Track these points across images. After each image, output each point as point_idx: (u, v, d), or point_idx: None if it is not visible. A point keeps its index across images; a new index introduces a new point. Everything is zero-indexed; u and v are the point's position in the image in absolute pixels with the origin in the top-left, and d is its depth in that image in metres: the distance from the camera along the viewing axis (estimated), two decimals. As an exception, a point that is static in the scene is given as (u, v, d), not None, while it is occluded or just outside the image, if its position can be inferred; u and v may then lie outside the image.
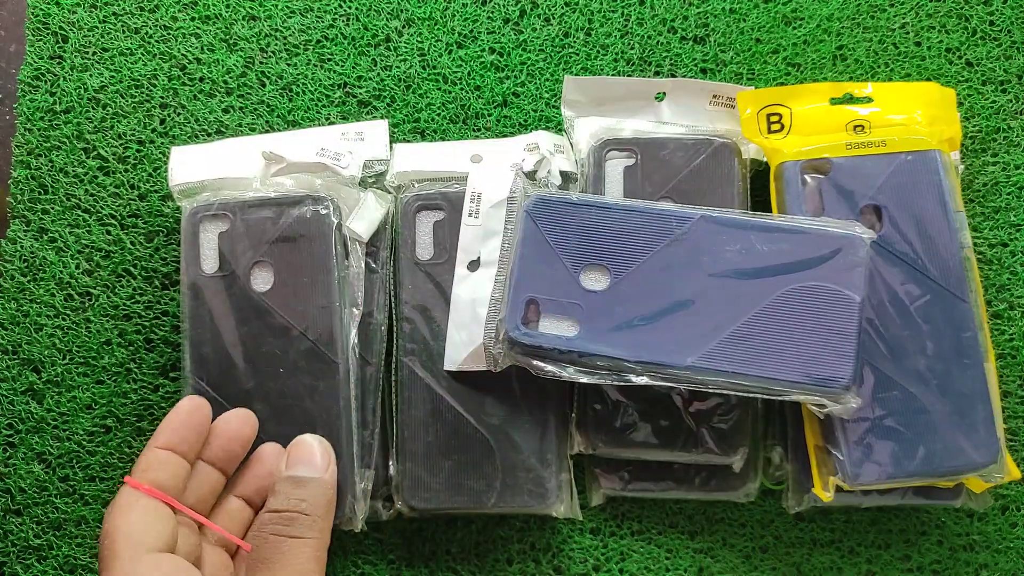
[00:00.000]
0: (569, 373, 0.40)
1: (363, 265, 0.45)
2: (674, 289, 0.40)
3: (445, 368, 0.43)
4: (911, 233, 0.42)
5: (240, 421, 0.41)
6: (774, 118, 0.45)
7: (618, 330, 0.40)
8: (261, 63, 0.50)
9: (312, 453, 0.37)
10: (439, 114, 0.49)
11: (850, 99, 0.46)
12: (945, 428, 0.40)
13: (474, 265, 0.44)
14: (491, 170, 0.45)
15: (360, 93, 0.49)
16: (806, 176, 0.43)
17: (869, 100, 0.46)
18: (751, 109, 0.45)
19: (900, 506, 0.46)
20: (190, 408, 0.39)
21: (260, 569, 0.33)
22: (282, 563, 0.33)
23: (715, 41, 0.50)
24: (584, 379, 0.40)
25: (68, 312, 0.48)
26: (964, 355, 0.41)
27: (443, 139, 0.49)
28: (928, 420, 0.40)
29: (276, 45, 0.50)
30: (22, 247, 0.48)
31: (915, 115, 0.45)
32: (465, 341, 0.43)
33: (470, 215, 0.44)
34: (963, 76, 0.49)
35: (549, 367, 0.40)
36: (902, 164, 0.43)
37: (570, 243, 0.41)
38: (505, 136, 0.49)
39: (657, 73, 0.50)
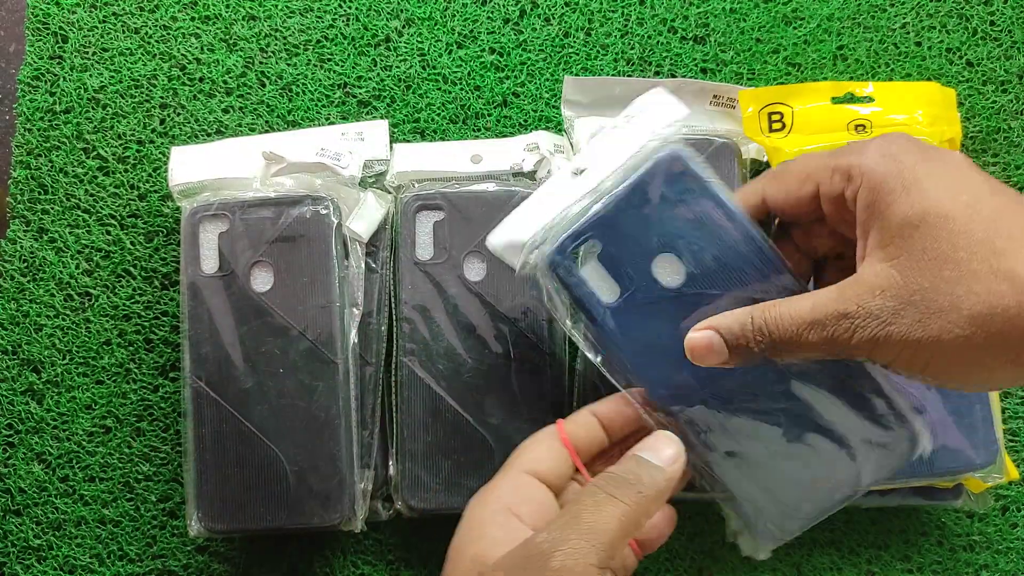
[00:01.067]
0: (567, 327, 0.38)
1: (363, 265, 0.45)
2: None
3: (487, 242, 0.40)
4: None
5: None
6: (775, 117, 0.45)
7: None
8: (261, 63, 0.50)
9: (664, 447, 0.37)
10: (439, 114, 0.49)
11: (851, 98, 0.46)
12: (944, 428, 0.40)
13: (581, 173, 0.39)
14: (667, 100, 0.40)
15: (360, 93, 0.49)
16: None
17: (870, 100, 0.46)
18: (753, 108, 0.45)
19: (900, 506, 0.46)
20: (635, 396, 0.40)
21: (569, 511, 0.34)
22: (588, 511, 0.34)
23: (715, 41, 0.50)
24: (577, 339, 0.38)
25: (68, 312, 0.48)
26: None
27: (443, 139, 0.49)
28: (927, 420, 0.40)
29: (276, 45, 0.50)
30: (22, 247, 0.48)
31: (916, 115, 0.45)
32: (519, 231, 0.39)
33: (615, 127, 0.40)
34: (964, 76, 0.49)
35: (558, 308, 0.37)
36: None
37: (667, 216, 0.36)
38: (505, 136, 0.49)
39: (657, 73, 0.50)
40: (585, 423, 0.40)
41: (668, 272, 0.37)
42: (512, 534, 0.35)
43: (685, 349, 0.35)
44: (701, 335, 0.35)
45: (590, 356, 0.39)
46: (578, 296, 0.37)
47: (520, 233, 0.39)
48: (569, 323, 0.38)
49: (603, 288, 0.37)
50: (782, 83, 0.49)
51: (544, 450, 0.39)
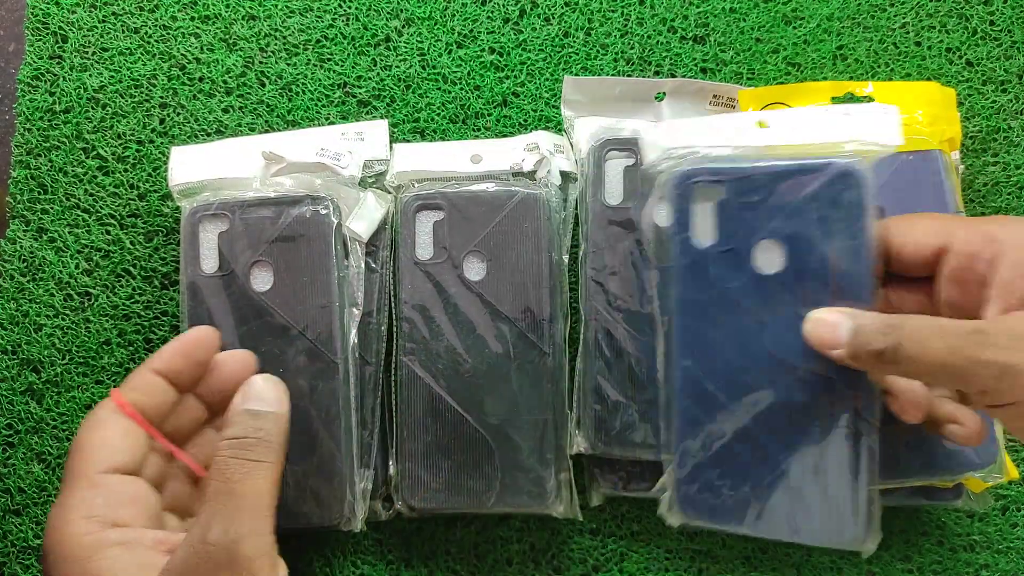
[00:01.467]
0: (649, 254, 0.37)
1: (363, 265, 0.45)
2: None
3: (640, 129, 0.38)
4: None
5: (240, 363, 0.40)
6: None
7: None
8: (261, 63, 0.50)
9: (267, 391, 0.37)
10: (439, 114, 0.49)
11: (851, 98, 0.46)
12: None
13: (762, 127, 0.38)
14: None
15: (360, 93, 0.49)
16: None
17: (870, 99, 0.46)
18: (752, 107, 0.45)
19: (900, 506, 0.45)
20: (195, 339, 0.39)
21: (220, 492, 0.34)
22: (242, 484, 0.33)
23: (715, 41, 0.50)
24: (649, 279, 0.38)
25: (68, 312, 0.48)
26: None
27: (443, 139, 0.49)
28: None
29: (276, 45, 0.50)
30: (22, 247, 0.48)
31: (916, 115, 0.45)
32: (673, 136, 0.38)
33: (828, 111, 0.38)
34: (963, 76, 0.49)
35: (651, 227, 0.37)
36: (904, 164, 0.43)
37: (804, 211, 0.35)
38: (505, 136, 0.49)
39: (657, 73, 0.50)
40: (148, 385, 0.37)
41: (767, 256, 0.36)
42: (137, 553, 0.33)
43: (806, 322, 0.35)
44: (831, 316, 0.34)
45: (654, 304, 0.37)
46: (677, 221, 0.36)
47: (672, 139, 0.38)
48: (652, 253, 0.37)
49: (701, 230, 0.36)
50: (782, 83, 0.49)
51: (116, 436, 0.36)
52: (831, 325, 0.34)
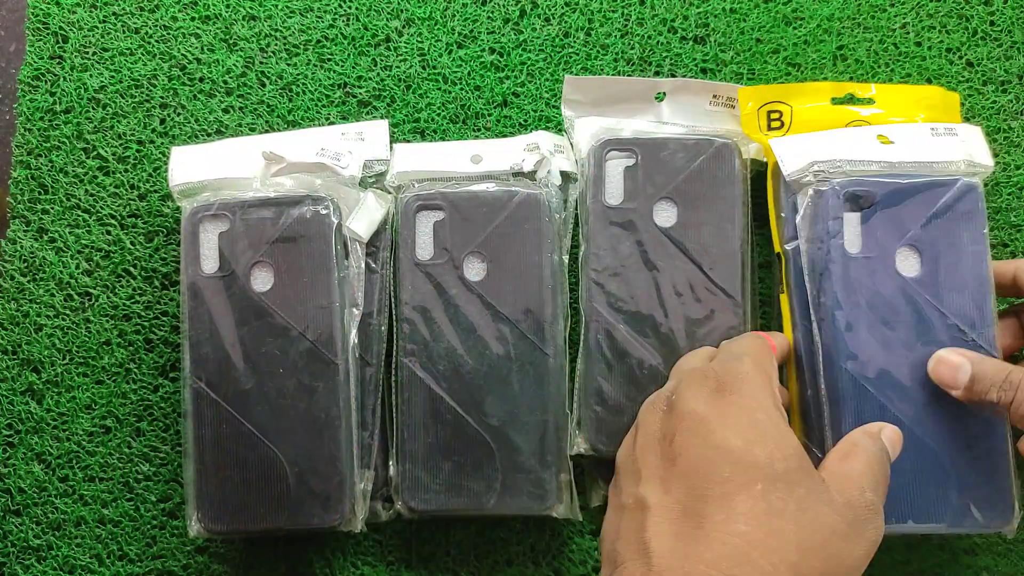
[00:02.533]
0: (801, 254, 0.42)
1: (363, 265, 0.45)
2: None
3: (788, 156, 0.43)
4: None
5: None
6: (774, 115, 0.45)
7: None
8: (261, 63, 0.50)
9: (893, 438, 0.38)
10: (439, 114, 0.49)
11: (852, 99, 0.46)
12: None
13: (890, 143, 0.43)
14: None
15: (360, 93, 0.49)
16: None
17: (871, 101, 0.45)
18: (752, 104, 0.45)
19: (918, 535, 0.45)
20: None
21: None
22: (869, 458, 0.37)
23: (715, 41, 0.50)
24: (806, 275, 0.42)
25: (68, 312, 0.48)
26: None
27: (443, 139, 0.49)
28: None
29: (276, 45, 0.50)
30: (22, 247, 0.48)
31: (917, 118, 0.45)
32: (820, 148, 0.43)
33: (954, 133, 0.44)
34: (964, 76, 0.49)
35: (799, 230, 0.42)
36: None
37: (937, 222, 0.41)
38: (505, 136, 0.49)
39: (657, 73, 0.49)
40: (783, 351, 0.42)
41: (907, 262, 0.41)
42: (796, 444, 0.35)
43: (931, 360, 0.40)
44: (955, 358, 0.39)
45: (814, 312, 0.41)
46: (828, 230, 0.41)
47: (810, 151, 0.42)
48: (805, 259, 0.41)
49: (851, 239, 0.41)
50: (782, 83, 0.49)
51: (773, 369, 0.39)
52: (953, 368, 0.39)
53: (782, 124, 0.45)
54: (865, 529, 0.33)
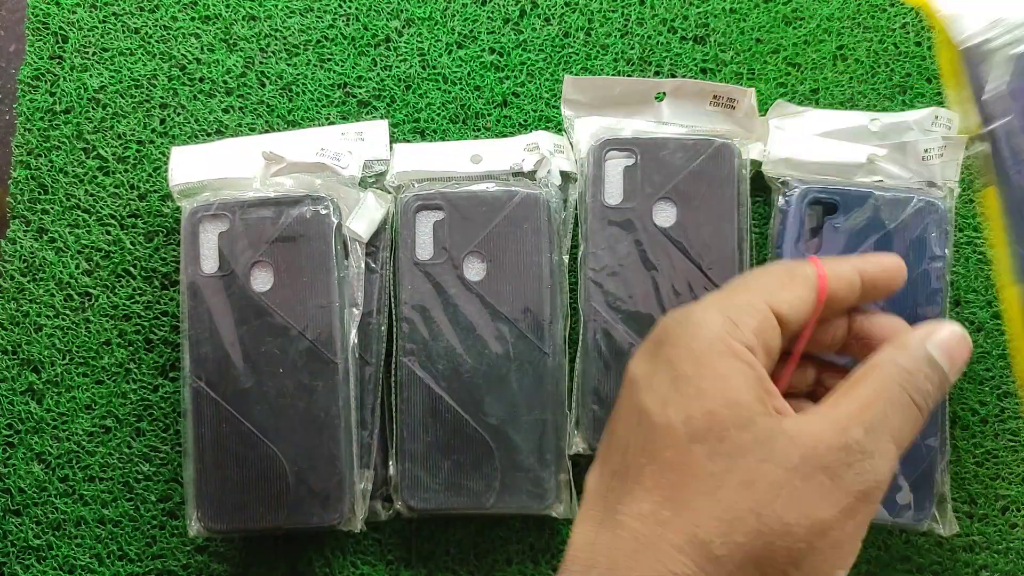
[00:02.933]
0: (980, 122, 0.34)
1: (363, 265, 0.45)
2: None
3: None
4: None
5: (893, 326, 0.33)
6: None
7: None
8: (261, 63, 0.50)
9: (958, 351, 0.30)
10: (439, 114, 0.49)
11: None
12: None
13: None
14: None
15: (360, 93, 0.49)
16: None
17: None
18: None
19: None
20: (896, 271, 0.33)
21: (876, 400, 0.28)
22: (889, 412, 0.28)
23: (715, 41, 0.50)
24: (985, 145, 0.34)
25: (68, 312, 0.48)
26: None
27: (443, 139, 0.49)
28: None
29: (276, 45, 0.50)
30: (22, 247, 0.48)
31: None
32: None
33: None
34: (963, 76, 0.49)
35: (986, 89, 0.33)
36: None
37: None
38: (505, 136, 0.49)
39: (657, 73, 0.50)
40: (847, 281, 0.32)
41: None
42: (756, 393, 0.28)
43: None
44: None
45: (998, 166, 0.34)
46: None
47: (1005, 6, 0.33)
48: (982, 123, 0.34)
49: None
50: (782, 83, 0.49)
51: (795, 295, 0.30)
52: None
53: None
54: (840, 479, 0.27)
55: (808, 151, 0.45)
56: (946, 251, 0.42)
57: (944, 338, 0.30)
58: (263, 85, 0.49)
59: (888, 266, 0.33)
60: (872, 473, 0.27)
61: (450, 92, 0.49)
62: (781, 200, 0.45)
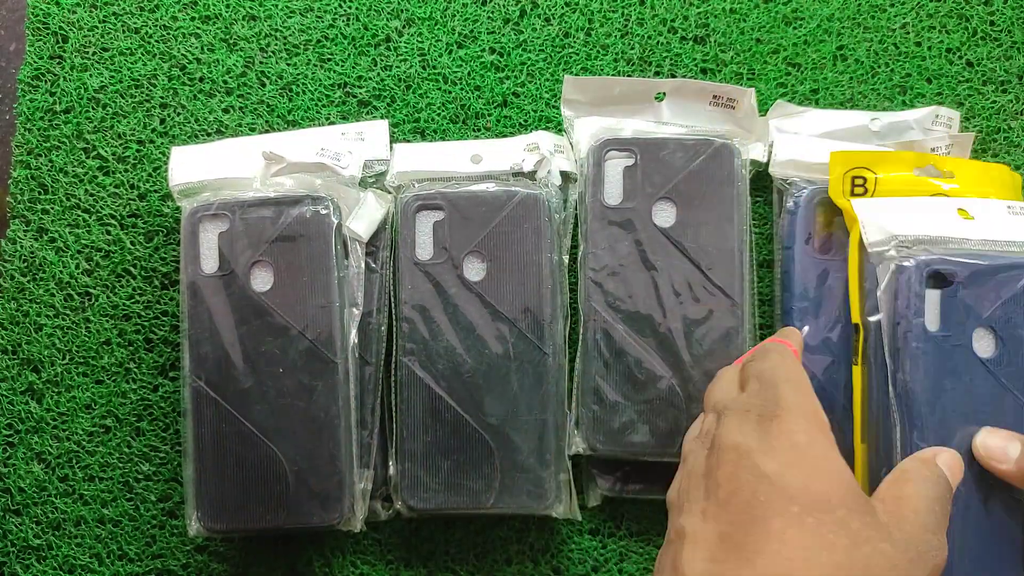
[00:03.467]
0: (889, 324, 0.41)
1: (363, 265, 0.45)
2: None
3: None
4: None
5: None
6: (859, 181, 0.45)
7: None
8: (261, 63, 0.50)
9: (955, 468, 0.37)
10: (439, 114, 0.49)
11: (933, 172, 0.45)
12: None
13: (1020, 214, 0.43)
14: None
15: (360, 93, 0.49)
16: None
17: (951, 175, 0.45)
18: (839, 168, 0.44)
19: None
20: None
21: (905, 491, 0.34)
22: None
23: (715, 41, 0.50)
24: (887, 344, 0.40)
25: (68, 312, 0.48)
26: None
27: (443, 139, 0.49)
28: None
29: (276, 45, 0.50)
30: (22, 247, 0.48)
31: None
32: (908, 222, 0.42)
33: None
34: (963, 76, 0.49)
35: (879, 304, 0.41)
36: None
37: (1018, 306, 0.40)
38: (505, 136, 0.49)
39: (657, 73, 0.50)
40: (801, 346, 0.41)
41: (984, 342, 0.40)
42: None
43: (977, 435, 0.39)
44: (1004, 438, 0.38)
45: (892, 388, 0.40)
46: (910, 307, 0.40)
47: (891, 220, 0.42)
48: (887, 335, 0.40)
49: (930, 317, 0.40)
50: (782, 83, 0.49)
51: (806, 381, 0.37)
52: (1000, 444, 0.38)
53: (866, 190, 0.45)
54: (920, 566, 0.31)
55: (812, 152, 0.45)
56: None
57: (946, 459, 0.36)
58: (263, 85, 0.49)
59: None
60: (941, 556, 0.32)
61: (450, 92, 0.49)
62: (790, 202, 0.45)
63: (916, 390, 0.39)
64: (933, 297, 0.40)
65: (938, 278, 0.40)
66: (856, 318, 0.43)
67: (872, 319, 0.42)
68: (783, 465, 0.32)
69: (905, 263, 0.40)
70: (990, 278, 0.40)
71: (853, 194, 0.44)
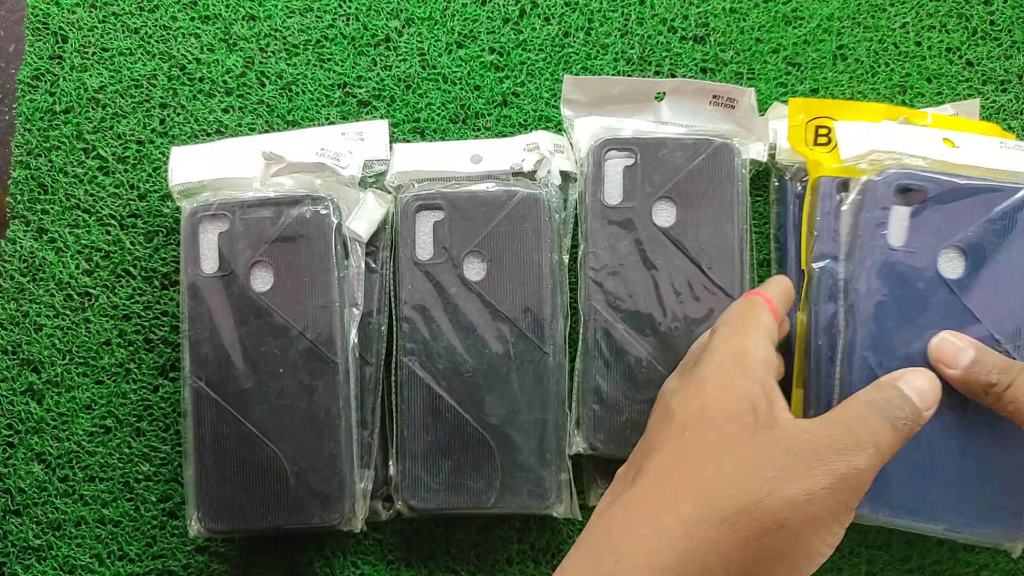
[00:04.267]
0: (842, 245, 0.41)
1: (363, 265, 0.45)
2: None
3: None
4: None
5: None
6: (823, 131, 0.45)
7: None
8: (261, 63, 0.50)
9: (927, 388, 0.36)
10: (439, 114, 0.49)
11: (905, 124, 0.45)
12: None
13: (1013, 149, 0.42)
14: None
15: (360, 93, 0.49)
16: (841, 194, 0.42)
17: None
18: (802, 116, 0.44)
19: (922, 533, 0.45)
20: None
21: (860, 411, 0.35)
22: (874, 422, 0.34)
23: (715, 41, 0.50)
24: (837, 268, 0.40)
25: (68, 312, 0.48)
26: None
27: (443, 139, 0.49)
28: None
29: (276, 45, 0.50)
30: (22, 247, 0.48)
31: None
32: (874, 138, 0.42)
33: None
34: (963, 76, 0.49)
35: (842, 225, 0.41)
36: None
37: (995, 228, 0.39)
38: (505, 136, 0.49)
39: (657, 73, 0.50)
40: (784, 295, 0.40)
41: (951, 263, 0.40)
42: (754, 399, 0.34)
43: (934, 338, 0.39)
44: (960, 340, 0.39)
45: (837, 301, 0.40)
46: (874, 219, 0.40)
47: (880, 140, 0.42)
48: (844, 243, 0.41)
49: (895, 232, 0.40)
50: (782, 83, 0.49)
51: (771, 319, 0.38)
52: (956, 348, 0.39)
53: (829, 141, 0.44)
54: (822, 460, 0.32)
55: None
56: None
57: (916, 381, 0.36)
58: (263, 85, 0.49)
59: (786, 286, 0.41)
60: (852, 461, 0.32)
61: (450, 92, 0.49)
62: (798, 187, 0.45)
63: (867, 301, 0.40)
64: (902, 213, 0.40)
65: (908, 193, 0.40)
66: (804, 265, 0.43)
67: (817, 265, 0.42)
68: (684, 398, 0.35)
69: (875, 177, 0.40)
70: (965, 199, 0.40)
71: (816, 143, 0.44)
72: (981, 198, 0.40)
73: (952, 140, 0.42)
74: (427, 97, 0.49)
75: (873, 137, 0.41)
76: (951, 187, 0.40)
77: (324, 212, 0.43)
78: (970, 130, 0.44)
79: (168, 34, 0.50)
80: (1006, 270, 0.40)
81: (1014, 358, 0.39)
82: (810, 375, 0.42)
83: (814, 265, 0.42)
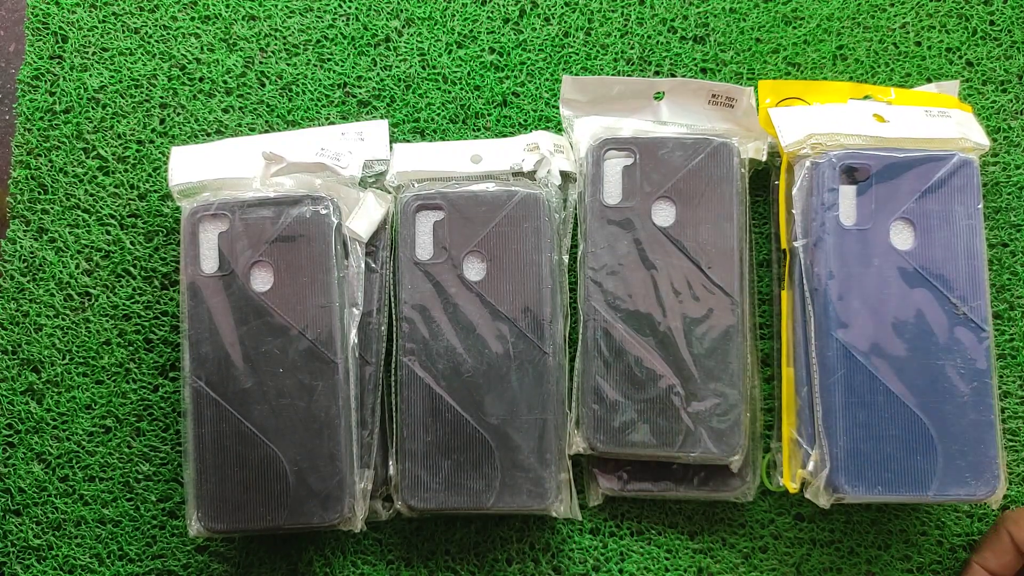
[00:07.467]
0: (798, 230, 0.42)
1: (363, 265, 0.45)
2: None
3: None
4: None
5: None
6: None
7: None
8: (261, 63, 0.50)
9: None
10: (439, 114, 0.49)
11: (869, 100, 0.46)
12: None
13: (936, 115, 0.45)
14: None
15: (360, 93, 0.49)
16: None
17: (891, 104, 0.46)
18: (771, 99, 0.45)
19: (900, 505, 0.46)
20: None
21: None
22: None
23: (715, 41, 0.50)
24: (798, 249, 0.42)
25: (68, 312, 0.48)
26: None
27: (443, 139, 0.49)
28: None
29: (276, 45, 0.50)
30: (22, 247, 0.48)
31: None
32: (818, 121, 0.44)
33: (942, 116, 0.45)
34: (964, 76, 0.49)
35: (806, 209, 0.42)
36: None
37: (933, 195, 0.42)
38: (505, 136, 0.49)
39: (657, 73, 0.50)
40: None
41: (900, 235, 0.42)
42: None
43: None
44: None
45: (802, 287, 0.42)
46: (824, 202, 0.42)
47: (816, 124, 0.44)
48: (800, 230, 0.42)
49: (845, 211, 0.42)
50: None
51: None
52: None
53: None
54: None
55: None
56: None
57: None
58: (263, 85, 0.49)
59: None
60: None
61: (450, 92, 0.49)
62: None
63: (829, 282, 0.41)
64: (849, 192, 0.42)
65: (852, 173, 0.42)
66: (784, 244, 0.44)
67: (798, 243, 0.43)
68: None
69: (819, 160, 0.42)
70: (905, 171, 0.42)
71: None
72: (920, 169, 0.42)
73: (881, 115, 0.44)
74: (427, 97, 0.49)
75: (809, 121, 0.43)
76: (890, 161, 0.42)
77: (324, 212, 0.43)
78: (927, 104, 0.46)
79: (168, 34, 0.50)
80: (952, 234, 0.42)
81: (970, 319, 0.41)
82: (795, 355, 0.43)
83: (796, 244, 0.43)
